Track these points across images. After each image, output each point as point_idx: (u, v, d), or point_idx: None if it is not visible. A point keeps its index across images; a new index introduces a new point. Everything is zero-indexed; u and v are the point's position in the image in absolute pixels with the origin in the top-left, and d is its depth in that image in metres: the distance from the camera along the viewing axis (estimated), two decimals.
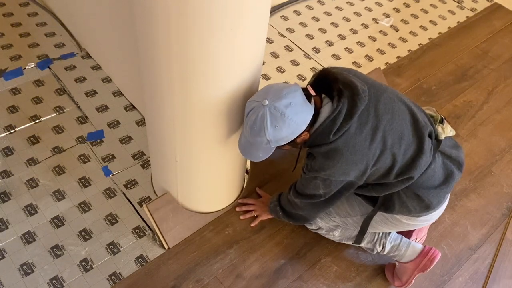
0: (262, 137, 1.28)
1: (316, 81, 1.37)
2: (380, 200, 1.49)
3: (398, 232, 1.75)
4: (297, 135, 1.30)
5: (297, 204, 1.55)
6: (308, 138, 1.34)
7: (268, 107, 1.24)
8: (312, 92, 1.32)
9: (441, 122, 1.47)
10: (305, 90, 1.32)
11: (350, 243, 1.70)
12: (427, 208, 1.46)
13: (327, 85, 1.34)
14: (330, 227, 1.68)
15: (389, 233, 1.66)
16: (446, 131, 1.46)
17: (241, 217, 1.84)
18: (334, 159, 1.32)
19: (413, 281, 1.65)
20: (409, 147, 1.36)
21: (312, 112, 1.29)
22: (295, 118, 1.25)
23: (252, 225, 1.81)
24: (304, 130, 1.30)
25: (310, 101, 1.30)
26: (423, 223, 1.55)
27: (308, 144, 1.38)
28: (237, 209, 1.85)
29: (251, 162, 1.97)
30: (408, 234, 1.75)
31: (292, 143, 1.34)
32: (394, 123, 1.34)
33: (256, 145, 1.33)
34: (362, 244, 1.68)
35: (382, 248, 1.65)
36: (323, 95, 1.34)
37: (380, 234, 1.66)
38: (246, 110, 1.32)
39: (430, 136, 1.41)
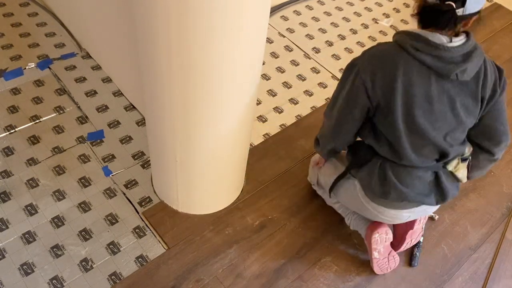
0: None
1: None
2: (362, 153, 1.51)
3: (399, 232, 1.75)
4: None
5: (326, 114, 1.53)
6: (418, 13, 1.31)
7: None
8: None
9: (463, 160, 1.47)
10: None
11: (327, 189, 1.72)
12: (383, 194, 1.46)
13: None
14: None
15: (363, 219, 1.72)
16: (458, 169, 1.46)
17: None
18: (377, 50, 1.34)
19: (379, 241, 1.67)
20: (424, 142, 1.36)
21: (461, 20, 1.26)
22: None
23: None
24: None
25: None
26: (375, 212, 1.55)
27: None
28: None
29: (249, 163, 1.97)
30: (402, 237, 1.74)
31: None
32: (435, 113, 1.32)
33: None
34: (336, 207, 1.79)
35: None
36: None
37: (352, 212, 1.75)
38: None
39: (442, 156, 1.41)
